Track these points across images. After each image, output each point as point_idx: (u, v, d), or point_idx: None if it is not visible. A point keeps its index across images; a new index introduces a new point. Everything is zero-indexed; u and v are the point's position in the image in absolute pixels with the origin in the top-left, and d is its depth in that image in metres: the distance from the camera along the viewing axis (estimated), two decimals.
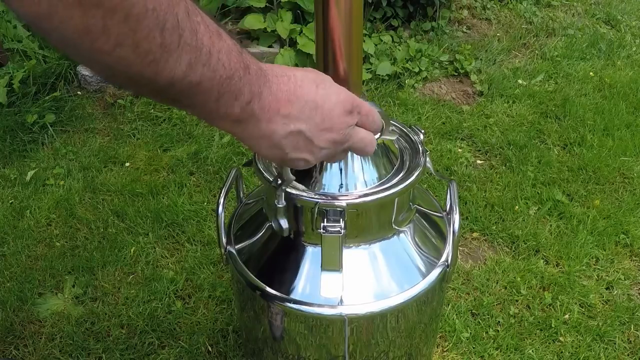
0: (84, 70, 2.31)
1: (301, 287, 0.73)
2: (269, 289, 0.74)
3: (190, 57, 0.42)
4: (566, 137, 2.12)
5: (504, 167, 1.95)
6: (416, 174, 0.72)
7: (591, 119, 2.22)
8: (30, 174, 1.87)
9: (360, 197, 0.69)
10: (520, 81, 2.51)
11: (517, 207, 1.75)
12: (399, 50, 2.57)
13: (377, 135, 0.64)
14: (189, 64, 0.43)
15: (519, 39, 2.90)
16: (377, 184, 0.71)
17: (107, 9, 0.36)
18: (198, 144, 2.00)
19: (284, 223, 0.70)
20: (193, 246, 1.59)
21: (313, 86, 0.53)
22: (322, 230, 0.67)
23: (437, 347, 1.32)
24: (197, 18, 0.43)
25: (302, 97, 0.52)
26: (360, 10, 0.63)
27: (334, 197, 0.68)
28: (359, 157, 0.70)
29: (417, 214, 0.80)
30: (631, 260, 1.59)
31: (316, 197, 0.68)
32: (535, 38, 2.93)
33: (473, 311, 1.42)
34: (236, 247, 0.81)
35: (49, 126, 2.08)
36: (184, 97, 0.46)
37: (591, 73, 2.59)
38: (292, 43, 2.43)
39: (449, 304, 1.42)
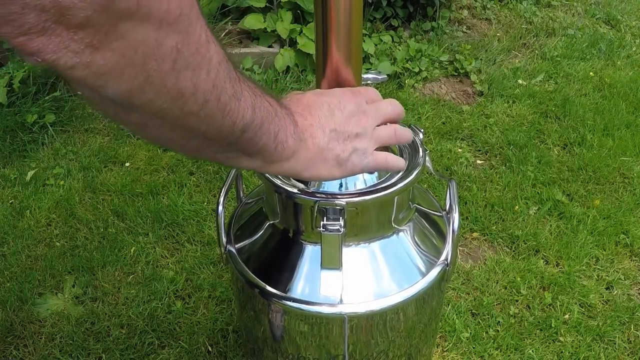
0: None
1: (301, 286, 0.73)
2: (268, 288, 0.74)
3: (251, 101, 0.48)
4: (566, 137, 2.12)
5: (504, 167, 1.95)
6: (415, 172, 0.72)
7: (591, 119, 2.22)
8: (30, 174, 1.87)
9: (359, 195, 0.69)
10: (520, 81, 2.51)
11: (517, 207, 1.75)
12: (399, 50, 2.57)
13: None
14: (252, 107, 0.48)
15: (519, 39, 2.90)
16: (376, 182, 0.71)
17: (193, 68, 0.40)
18: None
19: None
20: (193, 246, 1.59)
21: (317, 95, 0.61)
22: (321, 229, 0.67)
23: (437, 347, 1.32)
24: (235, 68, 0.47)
25: (315, 105, 0.59)
26: (360, 10, 0.63)
27: (334, 196, 0.68)
28: None
29: (416, 213, 0.80)
30: (631, 260, 1.59)
31: (316, 195, 0.68)
32: (535, 38, 2.93)
33: (473, 311, 1.42)
34: (236, 246, 0.81)
35: (49, 126, 2.08)
36: (252, 143, 0.51)
37: (591, 73, 2.59)
38: (292, 43, 2.43)
39: (449, 304, 1.42)
